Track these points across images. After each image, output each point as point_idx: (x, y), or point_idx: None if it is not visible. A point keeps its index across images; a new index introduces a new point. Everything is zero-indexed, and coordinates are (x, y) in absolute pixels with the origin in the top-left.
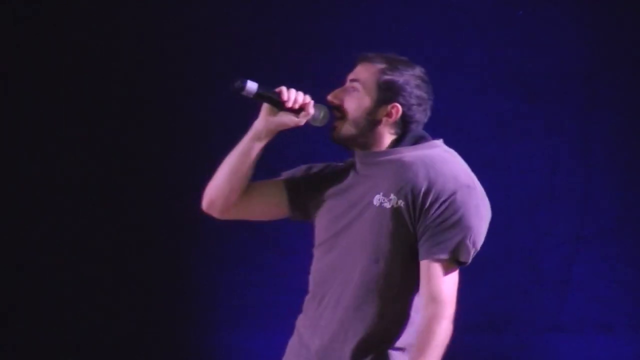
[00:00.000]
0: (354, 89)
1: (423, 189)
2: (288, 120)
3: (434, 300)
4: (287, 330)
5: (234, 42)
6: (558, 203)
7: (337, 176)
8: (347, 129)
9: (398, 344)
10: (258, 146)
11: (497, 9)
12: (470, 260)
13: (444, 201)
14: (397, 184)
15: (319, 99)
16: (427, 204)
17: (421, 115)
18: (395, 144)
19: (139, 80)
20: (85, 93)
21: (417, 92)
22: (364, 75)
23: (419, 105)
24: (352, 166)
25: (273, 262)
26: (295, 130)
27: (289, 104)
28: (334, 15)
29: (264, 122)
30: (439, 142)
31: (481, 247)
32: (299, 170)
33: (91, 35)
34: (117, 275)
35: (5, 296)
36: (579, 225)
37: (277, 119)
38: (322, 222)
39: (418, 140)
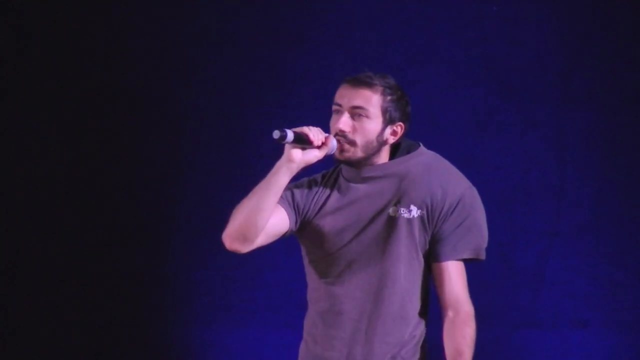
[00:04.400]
0: (362, 116)
1: (439, 197)
2: (313, 156)
3: (461, 300)
4: (262, 325)
5: (210, 39)
6: (533, 199)
7: (330, 191)
8: (357, 153)
9: (416, 341)
10: (285, 182)
11: (473, 5)
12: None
13: (457, 205)
14: (415, 195)
15: (298, 97)
16: (444, 210)
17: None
18: (393, 155)
19: (115, 77)
20: (63, 93)
21: (408, 107)
22: (368, 102)
23: (410, 118)
24: (344, 180)
25: (247, 258)
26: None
27: (317, 143)
28: (309, 10)
29: (293, 160)
30: (423, 147)
31: None
32: (290, 193)
33: (74, 35)
34: (91, 272)
35: None
36: (554, 221)
37: (304, 158)
38: (321, 236)
39: (410, 149)
